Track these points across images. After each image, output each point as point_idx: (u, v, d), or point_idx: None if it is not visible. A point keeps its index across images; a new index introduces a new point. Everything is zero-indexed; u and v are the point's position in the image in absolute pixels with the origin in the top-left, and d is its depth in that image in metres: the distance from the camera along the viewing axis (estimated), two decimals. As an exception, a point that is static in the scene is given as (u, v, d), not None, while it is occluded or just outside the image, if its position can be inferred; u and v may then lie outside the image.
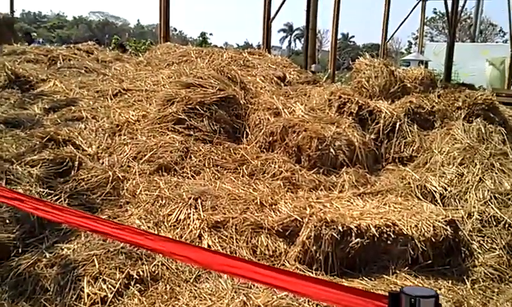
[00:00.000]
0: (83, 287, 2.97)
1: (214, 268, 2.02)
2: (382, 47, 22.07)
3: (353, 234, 3.52)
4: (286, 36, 65.36)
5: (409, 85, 6.09)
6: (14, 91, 6.13)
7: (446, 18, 20.48)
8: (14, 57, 7.45)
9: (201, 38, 25.84)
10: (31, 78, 6.46)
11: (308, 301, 3.07)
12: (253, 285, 3.24)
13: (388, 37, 23.28)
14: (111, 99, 5.80)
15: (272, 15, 14.68)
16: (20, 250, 3.29)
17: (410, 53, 29.98)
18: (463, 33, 38.21)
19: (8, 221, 3.39)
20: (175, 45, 8.74)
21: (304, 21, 15.15)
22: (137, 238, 1.59)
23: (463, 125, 4.90)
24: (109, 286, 2.99)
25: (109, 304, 2.91)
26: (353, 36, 62.51)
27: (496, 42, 37.88)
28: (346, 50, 48.46)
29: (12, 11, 14.85)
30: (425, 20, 31.54)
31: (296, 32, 62.39)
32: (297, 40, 62.92)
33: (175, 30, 56.63)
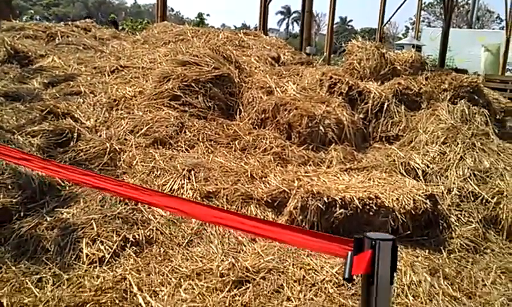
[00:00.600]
0: (82, 248, 3.17)
1: (206, 219, 2.22)
2: (378, 31, 22.16)
3: (338, 205, 3.72)
4: (284, 19, 65.21)
5: (399, 67, 6.27)
6: (13, 65, 6.27)
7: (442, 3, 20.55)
8: (13, 33, 7.58)
9: (198, 19, 25.86)
10: (30, 53, 6.60)
11: (293, 264, 3.28)
12: (242, 250, 3.46)
13: (385, 21, 23.35)
14: (109, 75, 5.96)
15: (269, -3, 14.75)
16: (21, 214, 3.47)
17: (413, 38, 30.05)
18: (460, 19, 38.28)
19: (10, 187, 3.57)
20: (172, 25, 8.87)
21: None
22: (135, 193, 1.77)
23: (448, 106, 5.10)
24: (107, 247, 3.19)
25: (107, 264, 3.11)
26: (351, 20, 62.52)
27: (493, 29, 38.01)
28: (344, 34, 48.42)
29: (9, -13, 14.82)
30: (423, 6, 31.58)
31: (293, 15, 62.21)
32: (294, 23, 62.74)
33: (172, 10, 56.36)
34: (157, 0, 12.23)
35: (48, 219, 3.39)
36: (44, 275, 3.00)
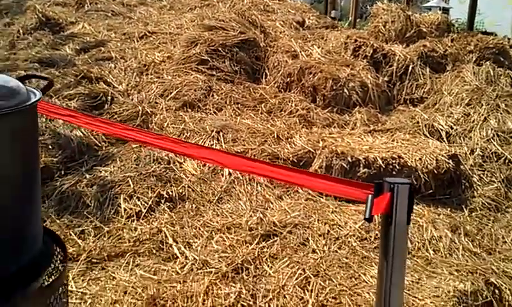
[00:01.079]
0: (120, 203, 3.39)
1: (238, 168, 2.38)
2: (405, -7, 21.63)
3: (361, 165, 3.85)
4: (308, -17, 64.11)
5: (425, 30, 6.26)
6: (45, 32, 6.49)
7: (472, -37, 19.90)
8: (43, 1, 7.77)
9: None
10: (61, 20, 6.80)
11: (318, 220, 3.45)
12: (269, 207, 3.63)
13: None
14: (137, 41, 6.12)
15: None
16: (62, 172, 3.71)
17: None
18: (490, -20, 36.99)
19: (50, 147, 3.81)
20: (197, -11, 8.93)
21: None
22: (173, 145, 1.94)
23: (473, 67, 5.12)
24: (143, 202, 3.40)
25: (143, 218, 3.32)
26: (376, -17, 60.92)
27: (525, -10, 36.64)
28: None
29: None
30: (452, -34, 30.58)
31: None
32: (319, -13, 61.62)
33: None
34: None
35: (88, 176, 3.62)
36: (86, 227, 3.23)
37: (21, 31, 6.59)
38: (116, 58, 5.48)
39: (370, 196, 1.65)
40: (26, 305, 1.39)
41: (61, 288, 1.52)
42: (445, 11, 16.65)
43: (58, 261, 1.56)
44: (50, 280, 1.53)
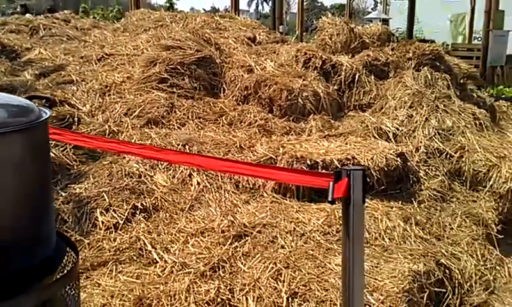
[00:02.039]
0: (97, 217, 3.57)
1: (215, 169, 2.64)
2: (348, 6, 22.63)
3: (319, 167, 4.18)
4: (253, 0, 65.08)
5: (367, 40, 6.75)
6: (2, 59, 6.53)
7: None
8: (-4, 29, 7.79)
9: (167, 4, 25.90)
10: (16, 47, 6.86)
11: (284, 219, 3.74)
12: (237, 211, 3.90)
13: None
14: (96, 63, 6.28)
15: (239, -22, 14.98)
16: (37, 192, 3.84)
17: (379, 12, 30.54)
18: (426, -10, 38.86)
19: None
20: (149, 11, 9.18)
21: (271, -17, 15.51)
22: (155, 153, 2.18)
23: (413, 73, 5.61)
24: (119, 215, 3.60)
25: (121, 229, 3.52)
26: (321, -3, 62.58)
27: (459, -2, 38.70)
28: (314, 12, 48.72)
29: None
30: (389, -21, 32.04)
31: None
32: (264, 3, 62.71)
33: (140, -4, 55.66)
34: (129, -12, 12.40)
35: (63, 194, 3.77)
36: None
37: (-24, 60, 6.61)
38: (77, 81, 5.62)
39: (331, 182, 1.96)
40: (43, 295, 1.60)
41: (72, 281, 1.74)
42: (385, 22, 17.53)
43: (69, 258, 1.78)
44: (63, 274, 1.74)
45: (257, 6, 64.85)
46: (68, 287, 1.71)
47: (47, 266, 1.65)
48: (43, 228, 1.68)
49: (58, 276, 1.72)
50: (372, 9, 38.42)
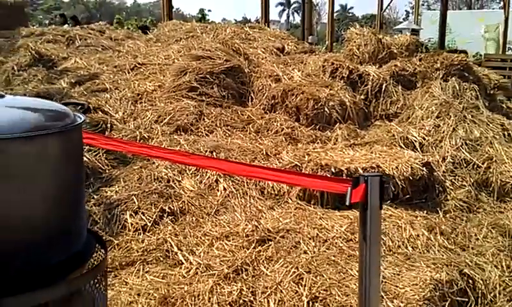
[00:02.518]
0: (127, 219, 3.71)
1: (239, 173, 2.73)
2: (378, 17, 22.53)
3: (344, 174, 4.23)
4: (284, 10, 65.48)
5: (395, 51, 6.77)
6: (40, 68, 6.82)
7: (440, -14, 20.90)
8: (34, 38, 8.13)
9: (199, 15, 26.35)
10: (53, 56, 7.15)
11: (307, 225, 3.81)
12: (262, 216, 3.98)
13: (384, 7, 23.71)
14: (129, 72, 6.49)
15: (270, -11, 15.16)
16: (71, 194, 4.01)
17: (410, 22, 30.34)
18: (459, 1, 38.47)
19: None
20: (180, 22, 9.41)
21: (301, -6, 15.65)
22: (184, 158, 2.29)
23: (440, 83, 5.61)
24: (148, 217, 3.73)
25: (149, 231, 3.65)
26: (352, 8, 62.76)
27: (493, 8, 38.13)
28: (345, 22, 48.67)
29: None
30: (422, -11, 31.84)
31: (293, 5, 62.50)
32: (295, 13, 63.03)
33: (173, 8, 56.71)
34: (162, 0, 12.72)
35: (95, 196, 3.94)
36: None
37: (15, 68, 6.92)
38: (111, 89, 5.83)
39: (349, 187, 2.02)
40: (72, 287, 1.71)
41: (100, 276, 1.86)
42: (415, 32, 17.40)
43: (98, 254, 1.90)
44: (91, 268, 1.86)
45: (288, 17, 65.23)
46: (95, 281, 1.83)
47: (77, 260, 1.77)
48: (75, 224, 1.80)
49: (87, 270, 1.84)
50: (403, 19, 38.18)
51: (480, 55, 19.59)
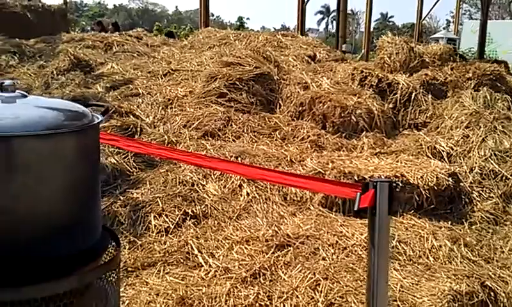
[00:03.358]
0: (151, 220, 3.82)
1: (252, 176, 2.79)
2: (417, 25, 22.24)
3: (367, 183, 4.22)
4: (323, 18, 65.35)
5: (427, 60, 6.70)
6: (77, 72, 7.08)
7: (481, -5, 20.45)
8: (74, 44, 8.44)
9: (238, 23, 26.67)
10: (91, 61, 7.40)
11: (327, 232, 3.82)
12: (283, 222, 4.02)
13: (424, 16, 23.38)
14: (162, 78, 6.67)
15: (307, -2, 15.22)
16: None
17: (449, 31, 29.82)
18: (502, 10, 37.49)
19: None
20: (215, 30, 9.57)
21: (338, 3, 15.64)
22: (200, 160, 2.36)
23: (471, 93, 5.52)
24: (171, 219, 3.83)
25: (171, 233, 3.74)
26: (392, 16, 62.11)
27: (538, 18, 36.96)
28: (385, 30, 48.17)
29: (65, 2, 15.94)
30: (463, -3, 31.20)
31: (333, 14, 62.23)
32: (334, 22, 62.75)
33: (212, 15, 57.49)
34: (200, 7, 12.95)
35: (121, 198, 4.06)
36: (121, 241, 3.65)
37: (55, 72, 7.20)
38: (143, 94, 6.00)
39: (358, 193, 2.05)
40: (84, 279, 1.80)
41: (112, 270, 1.95)
42: (452, 41, 17.09)
43: (112, 248, 1.99)
44: (104, 262, 1.95)
45: (327, 25, 65.01)
46: (108, 274, 1.92)
47: (91, 253, 1.87)
48: (90, 219, 1.89)
49: (100, 264, 1.93)
50: (443, 28, 37.47)
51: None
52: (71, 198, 1.79)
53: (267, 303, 3.06)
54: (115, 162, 4.40)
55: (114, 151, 4.56)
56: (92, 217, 1.90)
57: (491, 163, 4.74)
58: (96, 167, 1.94)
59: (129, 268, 3.40)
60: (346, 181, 4.11)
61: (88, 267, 1.82)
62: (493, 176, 4.67)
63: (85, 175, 1.83)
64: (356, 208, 2.00)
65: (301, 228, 3.85)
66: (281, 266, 3.42)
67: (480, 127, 5.07)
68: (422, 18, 23.08)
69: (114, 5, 63.07)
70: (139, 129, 4.98)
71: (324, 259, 3.51)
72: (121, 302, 3.06)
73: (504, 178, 4.65)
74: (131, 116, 5.28)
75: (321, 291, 3.13)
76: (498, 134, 5.00)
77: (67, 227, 1.78)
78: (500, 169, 4.68)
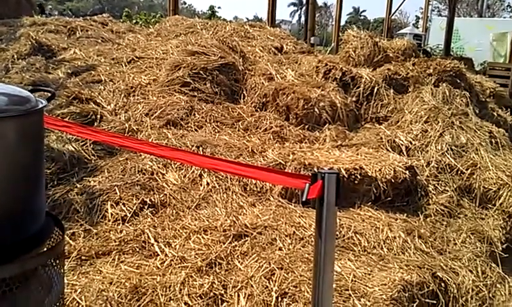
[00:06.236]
0: (107, 209, 3.77)
1: (204, 166, 2.78)
2: (386, 20, 22.51)
3: (325, 174, 4.27)
4: (296, 10, 65.44)
5: (391, 55, 6.80)
6: (39, 57, 6.89)
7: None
8: (36, 28, 8.21)
9: (210, 12, 26.42)
10: (53, 46, 7.23)
11: (285, 223, 3.85)
12: (242, 212, 4.03)
13: (393, 12, 23.68)
14: (126, 65, 6.56)
15: (278, -11, 15.18)
16: (55, 182, 4.08)
17: (417, 27, 30.34)
18: (471, 8, 38.31)
19: (44, 160, 4.18)
20: (183, 18, 9.46)
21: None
22: (154, 149, 2.34)
23: (431, 89, 5.63)
24: (128, 208, 3.79)
25: (128, 222, 3.71)
26: (364, 11, 62.58)
27: (504, 17, 37.95)
28: (357, 25, 48.55)
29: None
30: (433, -5, 31.72)
31: (305, 6, 62.43)
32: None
33: (184, 3, 56.86)
34: (169, -6, 12.77)
35: (78, 186, 4.00)
36: (76, 230, 3.60)
37: (15, 56, 6.99)
38: (105, 81, 5.90)
39: (307, 183, 2.07)
40: (27, 265, 1.77)
41: (56, 256, 1.92)
42: (418, 37, 17.37)
43: (56, 234, 1.97)
44: (48, 249, 1.92)
45: (300, 17, 65.11)
46: (52, 261, 1.89)
47: (34, 240, 1.84)
48: (32, 205, 1.86)
49: (45, 248, 1.90)
50: (413, 24, 38.05)
51: (489, 62, 19.53)
52: (12, 185, 1.75)
53: (222, 292, 3.07)
54: (73, 149, 4.33)
55: (72, 138, 4.48)
56: (35, 203, 1.87)
57: (448, 157, 4.87)
58: (39, 153, 1.91)
59: (83, 257, 3.35)
60: (305, 174, 4.15)
61: (30, 253, 1.80)
62: (449, 170, 4.79)
63: (27, 161, 1.80)
64: (304, 199, 2.02)
65: (260, 219, 3.87)
66: (238, 256, 3.43)
67: (438, 122, 5.19)
68: (392, 13, 23.38)
69: (84, -11, 61.53)
70: (99, 116, 4.90)
71: (280, 249, 3.54)
72: (73, 291, 3.03)
73: (459, 172, 4.78)
74: (91, 103, 5.19)
75: (276, 281, 3.16)
76: (455, 129, 5.13)
77: (9, 214, 1.74)
78: (456, 164, 4.81)
